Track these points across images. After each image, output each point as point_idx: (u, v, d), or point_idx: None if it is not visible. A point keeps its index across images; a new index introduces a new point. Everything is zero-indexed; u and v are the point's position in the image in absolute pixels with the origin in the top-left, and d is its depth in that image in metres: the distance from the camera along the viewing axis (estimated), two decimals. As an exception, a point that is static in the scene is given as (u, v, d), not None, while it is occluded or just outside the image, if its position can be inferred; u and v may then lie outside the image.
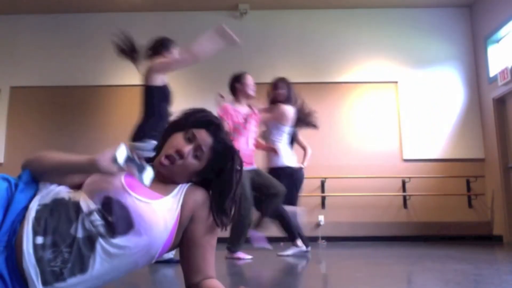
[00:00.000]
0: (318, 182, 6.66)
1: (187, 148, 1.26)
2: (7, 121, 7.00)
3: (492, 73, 6.49)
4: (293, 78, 7.10)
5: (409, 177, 6.59)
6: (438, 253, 4.10)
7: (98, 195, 1.13)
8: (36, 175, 1.19)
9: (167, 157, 1.25)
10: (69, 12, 7.27)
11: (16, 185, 1.14)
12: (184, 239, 1.26)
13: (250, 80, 4.08)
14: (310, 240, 6.37)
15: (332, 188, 6.62)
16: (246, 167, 3.44)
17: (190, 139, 1.28)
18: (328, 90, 6.99)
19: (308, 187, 6.65)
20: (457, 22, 7.12)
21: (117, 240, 1.10)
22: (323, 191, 6.62)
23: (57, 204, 1.12)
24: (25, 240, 1.03)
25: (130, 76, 7.09)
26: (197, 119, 1.32)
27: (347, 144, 6.80)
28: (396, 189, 6.64)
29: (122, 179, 1.19)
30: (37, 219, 1.07)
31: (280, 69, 7.04)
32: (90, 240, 1.08)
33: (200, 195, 1.28)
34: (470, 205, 6.60)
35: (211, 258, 1.30)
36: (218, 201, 1.28)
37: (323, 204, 6.61)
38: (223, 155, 1.31)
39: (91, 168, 1.13)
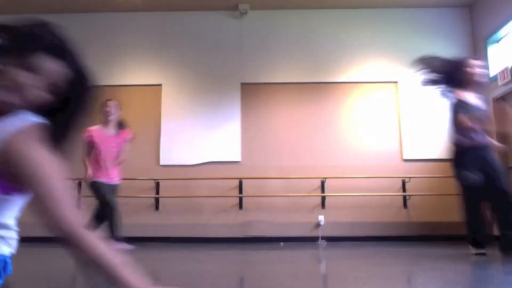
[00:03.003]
0: (318, 182, 6.66)
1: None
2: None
3: (492, 73, 6.49)
4: (293, 78, 7.13)
5: (409, 177, 6.59)
6: (438, 253, 4.10)
7: None
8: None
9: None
10: (69, 12, 7.27)
11: None
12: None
13: None
14: (310, 240, 6.41)
15: (332, 188, 6.63)
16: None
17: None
18: (328, 90, 6.99)
19: (308, 187, 6.66)
20: (457, 22, 7.12)
21: None
22: (323, 191, 6.63)
23: None
24: None
25: (130, 76, 7.10)
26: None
27: (347, 144, 6.81)
28: (396, 189, 6.64)
29: None
30: None
31: (280, 69, 7.06)
32: None
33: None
34: (470, 205, 6.59)
35: (48, 205, 1.05)
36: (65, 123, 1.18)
37: (323, 204, 6.62)
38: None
39: None
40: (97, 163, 4.43)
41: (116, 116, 4.53)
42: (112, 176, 4.51)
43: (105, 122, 4.47)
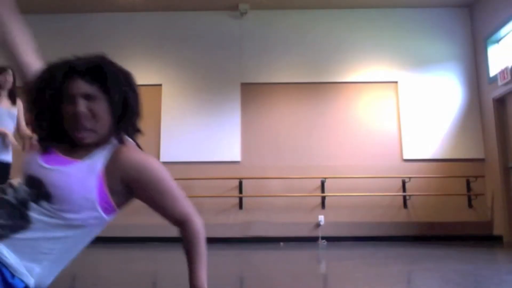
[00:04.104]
0: (318, 182, 6.66)
1: (81, 106, 1.21)
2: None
3: (492, 73, 6.49)
4: (293, 78, 7.13)
5: (409, 177, 6.59)
6: (438, 253, 4.10)
7: (23, 176, 1.22)
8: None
9: (79, 128, 1.21)
10: (69, 12, 7.27)
11: None
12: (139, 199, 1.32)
13: None
14: (310, 240, 6.41)
15: (332, 188, 6.62)
16: None
17: (71, 99, 1.22)
18: (328, 90, 6.99)
19: (308, 187, 6.66)
20: (457, 22, 7.11)
21: (46, 206, 1.16)
22: (323, 191, 6.62)
23: None
24: None
25: (130, 76, 7.09)
26: (58, 78, 1.23)
27: (347, 144, 6.80)
28: (396, 189, 6.64)
29: (38, 157, 1.24)
30: None
31: (280, 69, 7.05)
32: (24, 203, 1.16)
33: (122, 163, 1.24)
34: (470, 205, 6.59)
35: (169, 203, 1.32)
36: (125, 119, 1.29)
37: (323, 204, 6.61)
38: (107, 80, 1.26)
39: None
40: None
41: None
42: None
43: None
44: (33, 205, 1.15)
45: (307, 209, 6.60)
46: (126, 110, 1.29)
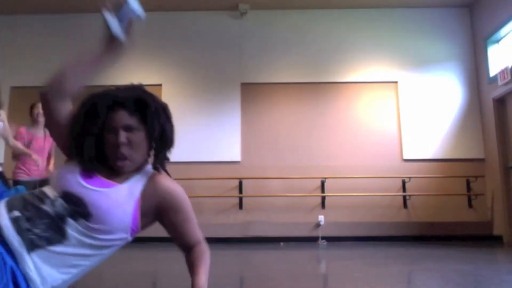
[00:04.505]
0: (318, 182, 6.66)
1: (122, 137, 1.27)
2: (7, 121, 6.99)
3: (492, 73, 6.49)
4: (293, 78, 7.13)
5: (409, 177, 6.59)
6: (438, 253, 4.11)
7: (58, 191, 1.23)
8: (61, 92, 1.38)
9: (119, 157, 1.28)
10: (69, 12, 7.27)
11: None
12: (162, 223, 1.39)
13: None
14: (310, 240, 6.40)
15: (332, 188, 6.62)
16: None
17: (113, 130, 1.29)
18: (328, 90, 6.99)
19: (308, 187, 6.66)
20: (457, 22, 7.11)
21: (83, 225, 1.19)
22: (323, 191, 6.62)
23: (26, 194, 1.25)
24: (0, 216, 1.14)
25: (130, 76, 7.08)
26: (102, 113, 1.32)
27: (347, 144, 6.80)
28: (396, 189, 6.64)
29: (78, 176, 1.25)
30: (8, 202, 1.20)
31: (280, 69, 7.05)
32: (62, 217, 1.18)
33: (159, 190, 1.33)
34: (470, 205, 6.59)
35: (189, 229, 1.40)
36: (159, 149, 1.36)
37: (323, 204, 6.61)
38: (148, 115, 1.32)
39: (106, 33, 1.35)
40: (22, 163, 4.47)
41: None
42: (35, 172, 4.50)
43: (35, 124, 4.60)
44: (70, 221, 1.18)
45: (307, 209, 6.60)
46: (162, 141, 1.36)
